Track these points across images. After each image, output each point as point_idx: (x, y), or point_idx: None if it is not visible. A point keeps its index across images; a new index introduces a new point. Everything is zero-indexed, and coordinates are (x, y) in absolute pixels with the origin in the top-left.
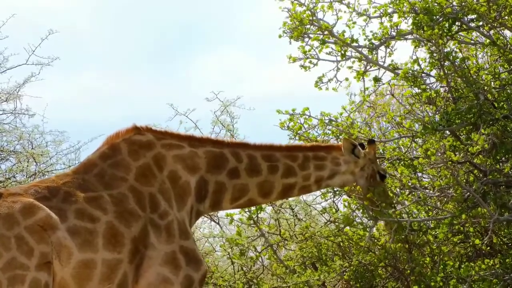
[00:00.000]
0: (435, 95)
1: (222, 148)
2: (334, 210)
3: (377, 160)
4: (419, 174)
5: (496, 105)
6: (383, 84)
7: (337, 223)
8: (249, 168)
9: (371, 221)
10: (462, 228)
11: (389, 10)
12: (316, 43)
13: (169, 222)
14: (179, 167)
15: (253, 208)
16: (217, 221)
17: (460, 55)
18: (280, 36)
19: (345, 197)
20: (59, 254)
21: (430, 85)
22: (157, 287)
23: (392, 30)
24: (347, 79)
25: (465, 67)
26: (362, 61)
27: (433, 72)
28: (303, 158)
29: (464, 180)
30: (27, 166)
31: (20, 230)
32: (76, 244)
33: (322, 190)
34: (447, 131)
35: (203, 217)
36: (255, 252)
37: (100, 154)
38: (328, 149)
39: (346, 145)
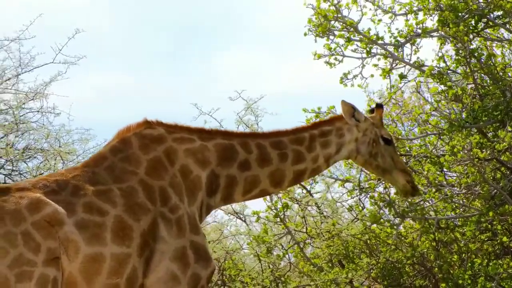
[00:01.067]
0: (461, 92)
1: (231, 139)
2: (360, 207)
3: (383, 125)
4: (446, 172)
5: None
6: (409, 81)
7: (363, 221)
8: (259, 158)
9: (398, 218)
10: (489, 225)
11: (414, 8)
12: (341, 41)
13: (179, 216)
14: (190, 161)
15: (279, 206)
16: (243, 219)
17: (485, 52)
18: (305, 34)
19: (372, 194)
20: (67, 249)
21: (456, 82)
22: (165, 283)
23: (418, 27)
24: (372, 75)
25: (491, 64)
26: (388, 59)
27: (459, 69)
28: (310, 138)
29: (491, 177)
30: (55, 164)
31: (27, 226)
32: (84, 238)
33: (348, 188)
34: (474, 128)
35: (229, 215)
36: (281, 250)
37: (111, 148)
38: (331, 122)
39: (346, 108)
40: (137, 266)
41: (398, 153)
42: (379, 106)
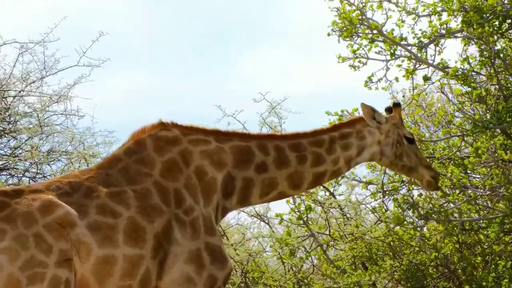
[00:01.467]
0: (485, 93)
1: (248, 141)
2: (384, 209)
3: (403, 124)
4: (470, 173)
5: None
6: (433, 82)
7: (387, 223)
8: (277, 160)
9: (422, 220)
10: None
11: (438, 9)
12: (365, 42)
13: (194, 218)
14: (205, 162)
15: (302, 208)
16: (266, 221)
17: (510, 53)
18: (328, 35)
19: (395, 196)
20: (79, 251)
21: (480, 83)
22: (180, 285)
23: (441, 28)
24: (396, 78)
25: None
26: (412, 60)
27: (483, 70)
28: (329, 141)
29: None
30: (79, 167)
31: (39, 228)
32: (96, 240)
33: (371, 190)
34: (498, 130)
35: (252, 217)
36: (304, 252)
37: (125, 150)
38: (351, 124)
39: (366, 111)
40: (151, 268)
41: None
42: (397, 104)
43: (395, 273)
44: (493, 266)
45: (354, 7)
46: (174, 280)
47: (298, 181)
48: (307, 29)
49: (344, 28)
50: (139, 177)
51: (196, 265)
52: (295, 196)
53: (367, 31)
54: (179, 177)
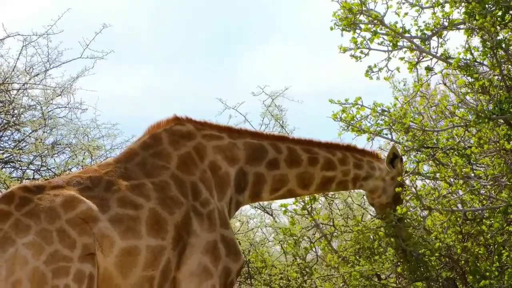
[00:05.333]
0: (488, 83)
1: (261, 140)
2: None
3: (402, 174)
4: (474, 164)
5: None
6: (435, 73)
7: (390, 213)
8: (289, 159)
9: (426, 211)
10: None
11: (441, 0)
12: (367, 34)
13: (210, 210)
14: (219, 157)
15: (307, 198)
16: (270, 213)
17: None
18: (331, 29)
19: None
20: (102, 245)
21: (483, 74)
22: (198, 276)
23: (444, 20)
24: (398, 68)
25: None
26: (415, 51)
27: (486, 61)
28: (343, 155)
29: None
30: (83, 159)
31: (62, 224)
32: (119, 233)
33: None
34: (501, 120)
35: (256, 209)
36: (309, 242)
37: (142, 144)
38: (363, 153)
39: (390, 155)
40: (171, 258)
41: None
42: (400, 158)
43: (398, 264)
44: (496, 256)
45: None
46: (192, 271)
47: (307, 181)
48: (312, 23)
49: (345, 18)
50: (156, 170)
51: (213, 256)
52: None
53: (369, 25)
54: (195, 171)
